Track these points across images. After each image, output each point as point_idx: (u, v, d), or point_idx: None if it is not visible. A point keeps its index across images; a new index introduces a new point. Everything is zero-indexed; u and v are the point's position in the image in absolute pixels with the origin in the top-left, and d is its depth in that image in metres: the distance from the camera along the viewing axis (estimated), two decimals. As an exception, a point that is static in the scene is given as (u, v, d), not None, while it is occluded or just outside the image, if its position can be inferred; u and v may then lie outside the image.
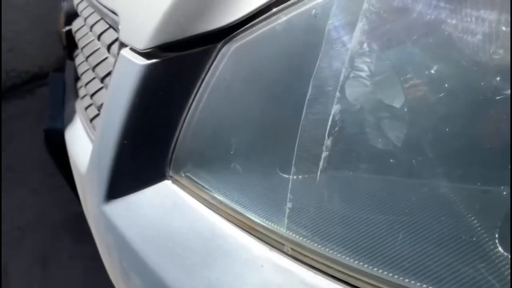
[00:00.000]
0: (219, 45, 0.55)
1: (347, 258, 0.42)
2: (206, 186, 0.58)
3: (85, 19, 0.95)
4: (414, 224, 0.40)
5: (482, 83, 0.39)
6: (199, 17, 0.55)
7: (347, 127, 0.42)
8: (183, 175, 0.62)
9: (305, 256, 0.45)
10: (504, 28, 0.39)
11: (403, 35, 0.39)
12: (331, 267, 0.43)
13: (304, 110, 0.44)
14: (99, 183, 0.71)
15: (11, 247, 1.65)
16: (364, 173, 0.41)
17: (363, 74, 0.41)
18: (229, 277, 0.48)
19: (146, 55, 0.60)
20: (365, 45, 0.41)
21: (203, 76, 0.57)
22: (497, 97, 0.38)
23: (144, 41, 0.60)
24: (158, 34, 0.58)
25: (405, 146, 0.40)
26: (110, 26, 0.80)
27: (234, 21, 0.53)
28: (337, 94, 0.41)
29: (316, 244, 0.44)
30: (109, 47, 0.78)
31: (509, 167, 0.36)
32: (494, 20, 0.39)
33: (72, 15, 1.15)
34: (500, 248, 0.37)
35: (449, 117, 0.40)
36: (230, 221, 0.53)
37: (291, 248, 0.46)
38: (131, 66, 0.62)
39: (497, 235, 0.38)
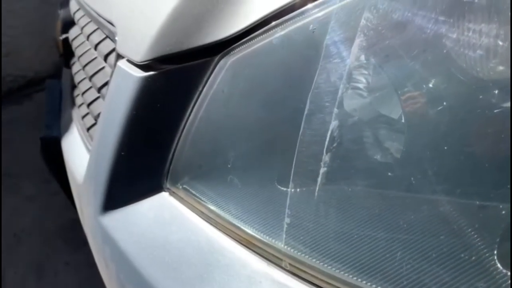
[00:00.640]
0: (217, 58, 0.55)
1: (346, 274, 0.42)
2: (204, 199, 0.58)
3: (82, 28, 0.95)
4: (412, 241, 0.40)
5: (481, 98, 0.39)
6: (196, 30, 0.55)
7: (345, 143, 0.41)
8: (180, 187, 0.61)
9: (304, 271, 0.45)
10: (501, 43, 0.39)
11: (401, 51, 0.39)
12: (330, 283, 0.43)
13: (302, 125, 0.44)
14: (95, 194, 0.71)
15: (7, 254, 1.64)
16: (363, 189, 0.41)
17: (361, 90, 0.41)
18: (227, 293, 0.48)
19: (143, 67, 0.60)
20: (363, 61, 0.41)
21: (200, 88, 0.57)
22: (496, 112, 0.38)
23: (141, 53, 0.59)
24: (155, 46, 0.58)
25: (403, 162, 0.40)
26: (107, 36, 0.80)
27: (232, 35, 0.53)
28: (335, 110, 0.41)
29: (314, 260, 0.44)
30: (106, 57, 0.78)
31: (509, 183, 0.36)
32: (492, 35, 0.39)
33: (69, 23, 1.14)
34: (499, 265, 0.37)
35: (448, 133, 0.40)
36: (228, 235, 0.53)
37: (290, 264, 0.46)
38: (128, 78, 0.61)
39: (496, 252, 0.37)
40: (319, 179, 0.43)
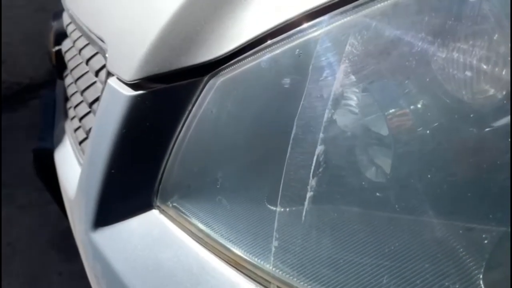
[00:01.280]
0: (206, 78, 0.55)
1: (333, 298, 0.42)
2: (193, 218, 0.58)
3: (74, 41, 0.95)
4: (400, 266, 0.40)
5: (468, 120, 0.39)
6: (185, 50, 0.55)
7: (331, 168, 0.42)
8: (170, 205, 0.61)
9: (292, 295, 0.45)
10: (484, 66, 0.40)
11: (386, 77, 0.40)
12: (317, 307, 0.43)
13: (289, 149, 0.44)
14: (86, 210, 0.70)
15: (2, 264, 1.63)
16: (349, 213, 0.41)
17: (346, 115, 0.41)
18: (216, 315, 0.48)
19: (132, 86, 0.60)
20: (348, 86, 0.41)
21: (189, 108, 0.57)
22: (485, 131, 0.39)
23: (131, 72, 0.59)
24: (145, 65, 0.58)
25: (389, 186, 0.40)
26: (98, 52, 0.80)
27: (220, 56, 0.53)
28: (321, 134, 0.41)
29: (302, 283, 0.44)
30: (97, 73, 0.78)
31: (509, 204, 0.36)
32: (476, 58, 0.40)
33: (62, 35, 1.14)
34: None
35: (435, 157, 0.40)
36: (218, 256, 0.53)
37: (278, 287, 0.46)
38: (118, 96, 0.61)
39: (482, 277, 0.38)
40: (306, 203, 0.43)
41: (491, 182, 0.38)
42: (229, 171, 0.54)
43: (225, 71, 0.53)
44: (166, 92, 0.58)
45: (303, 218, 0.43)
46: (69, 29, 1.03)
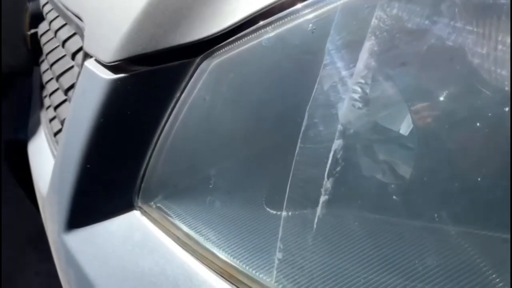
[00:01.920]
0: (198, 60, 0.50)
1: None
2: (179, 222, 0.53)
3: (50, 22, 0.88)
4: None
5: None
6: (174, 27, 0.49)
7: (351, 167, 0.35)
8: (154, 206, 0.57)
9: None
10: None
11: (421, 58, 0.33)
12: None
13: (298, 143, 0.38)
14: (59, 209, 0.66)
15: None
16: (373, 223, 0.35)
17: (371, 104, 0.34)
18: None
19: (112, 68, 0.54)
20: (374, 69, 0.34)
21: (178, 94, 0.52)
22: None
23: (110, 52, 0.54)
24: (126, 44, 0.52)
25: (427, 191, 0.34)
26: (76, 33, 0.73)
27: (216, 33, 0.47)
28: (339, 126, 0.35)
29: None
30: (74, 55, 0.71)
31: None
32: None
33: (39, 17, 1.07)
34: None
35: (464, 157, 0.34)
36: (208, 266, 0.47)
37: (280, 306, 0.39)
38: (96, 80, 0.56)
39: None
40: (318, 209, 0.36)
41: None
42: (223, 169, 0.49)
43: (221, 51, 0.48)
44: (151, 75, 0.53)
45: (314, 226, 0.36)
46: (46, 9, 0.96)
